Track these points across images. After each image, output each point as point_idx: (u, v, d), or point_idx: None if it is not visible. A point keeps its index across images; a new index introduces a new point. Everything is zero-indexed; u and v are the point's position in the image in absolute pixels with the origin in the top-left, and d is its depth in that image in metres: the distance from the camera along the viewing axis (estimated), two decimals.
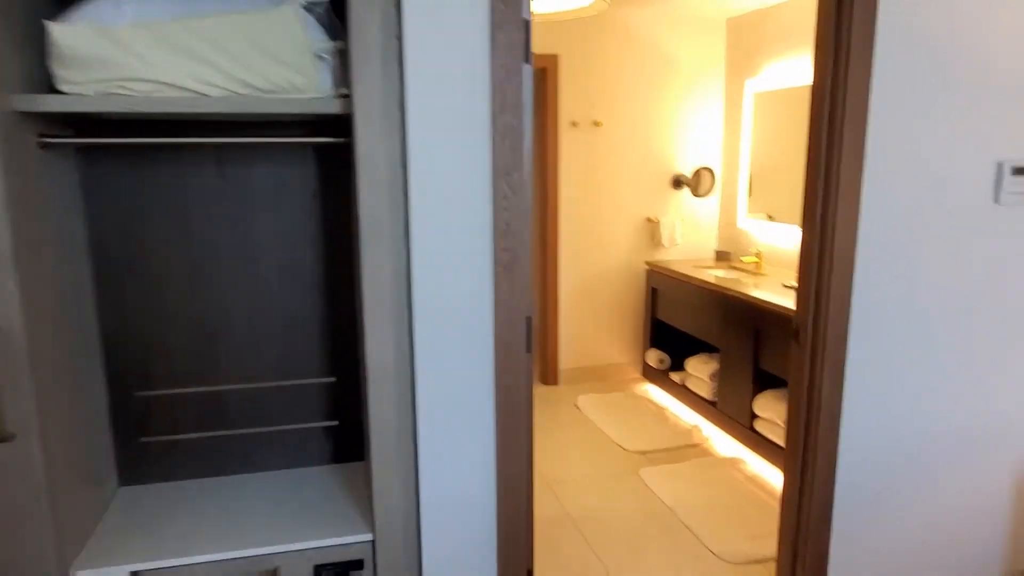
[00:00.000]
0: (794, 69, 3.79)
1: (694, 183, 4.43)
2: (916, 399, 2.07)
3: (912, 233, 1.97)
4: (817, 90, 1.91)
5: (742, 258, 4.05)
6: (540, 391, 4.44)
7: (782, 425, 3.09)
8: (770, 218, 4.16)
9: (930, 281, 2.01)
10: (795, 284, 3.46)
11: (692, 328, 3.95)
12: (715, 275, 4.08)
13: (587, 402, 4.14)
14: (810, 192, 1.95)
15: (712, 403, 3.72)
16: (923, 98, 1.89)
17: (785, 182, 4.02)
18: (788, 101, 3.92)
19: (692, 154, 4.51)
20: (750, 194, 4.25)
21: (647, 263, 4.38)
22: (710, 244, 4.67)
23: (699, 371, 3.82)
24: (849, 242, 1.92)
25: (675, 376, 4.12)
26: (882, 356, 2.02)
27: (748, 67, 4.18)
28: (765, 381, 3.32)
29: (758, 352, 3.28)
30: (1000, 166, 1.96)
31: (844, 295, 1.94)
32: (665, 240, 4.45)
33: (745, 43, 4.21)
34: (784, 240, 3.96)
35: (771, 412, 3.17)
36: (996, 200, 1.99)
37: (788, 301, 3.13)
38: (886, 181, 1.91)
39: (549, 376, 4.52)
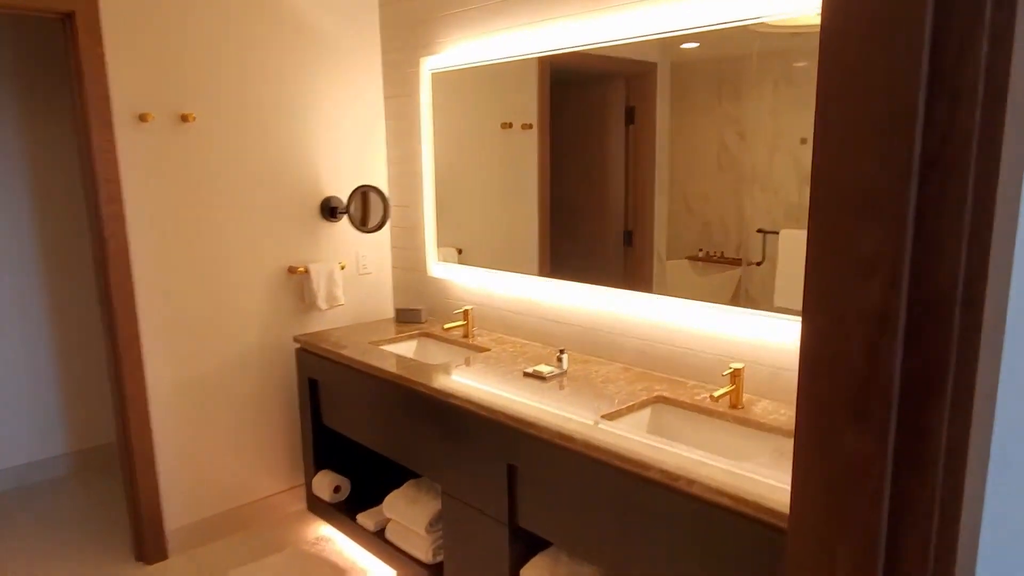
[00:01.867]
0: (499, 35, 2.56)
1: (358, 211, 2.96)
2: None
3: None
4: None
5: (444, 326, 2.71)
6: None
7: None
8: (460, 253, 2.92)
9: None
10: (543, 369, 2.23)
11: (383, 446, 2.49)
12: (407, 354, 2.69)
13: None
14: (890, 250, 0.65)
15: (434, 568, 2.32)
16: None
17: (481, 201, 2.80)
18: (485, 79, 2.70)
19: (351, 169, 3.03)
20: (438, 223, 2.95)
21: (296, 339, 2.79)
22: (388, 303, 3.26)
23: (406, 516, 2.39)
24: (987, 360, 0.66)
25: (365, 519, 2.61)
26: None
27: (421, 37, 2.85)
28: (529, 543, 2.03)
29: (514, 500, 1.97)
30: None
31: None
32: (321, 300, 2.90)
33: (411, 4, 2.87)
34: (497, 286, 2.74)
35: None
36: None
37: (555, 409, 1.87)
38: None
39: (148, 548, 2.63)
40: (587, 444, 1.71)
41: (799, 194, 1.74)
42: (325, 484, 2.75)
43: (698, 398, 2.00)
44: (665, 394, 2.04)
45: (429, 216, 2.94)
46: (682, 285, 2.13)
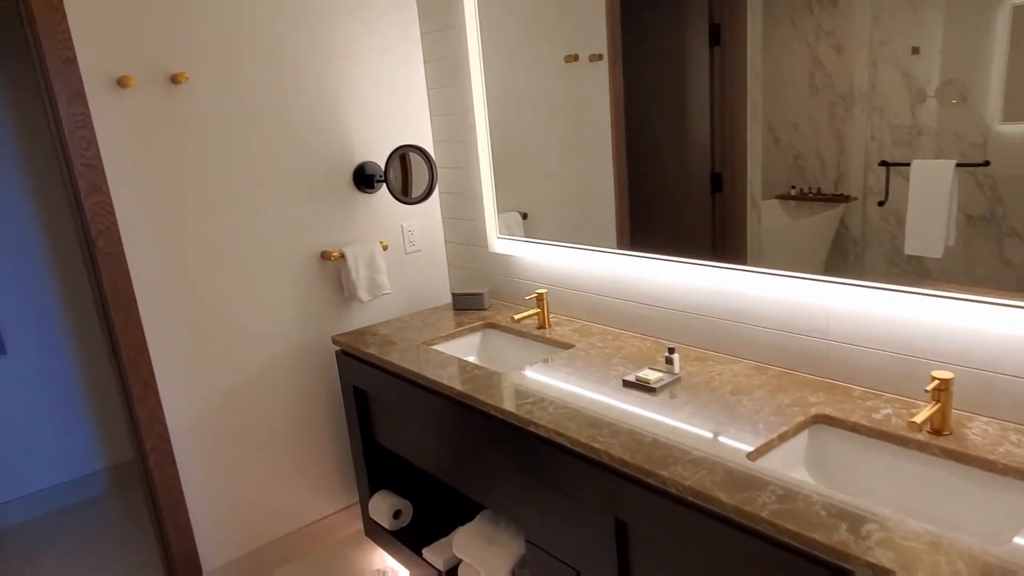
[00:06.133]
0: None
1: (398, 178, 2.43)
2: None
3: None
4: None
5: (514, 316, 2.18)
6: None
7: None
8: (525, 218, 2.37)
9: None
10: (649, 376, 1.68)
11: (447, 474, 2.01)
12: (470, 354, 2.19)
13: None
14: None
15: None
16: None
17: (546, 153, 2.23)
18: (542, 1, 2.11)
19: (386, 126, 2.49)
20: (497, 185, 2.40)
21: (335, 340, 2.31)
22: (443, 286, 2.74)
23: (483, 560, 1.91)
24: None
25: (433, 555, 2.16)
26: None
27: None
28: None
29: (627, 565, 1.46)
30: None
31: None
32: (362, 290, 2.41)
33: None
34: (574, 260, 2.19)
35: None
36: None
37: (678, 439, 1.33)
38: None
39: None
40: (739, 511, 1.17)
41: (911, 115, 1.35)
42: (384, 508, 2.31)
43: (877, 417, 1.43)
44: (827, 411, 1.48)
45: (486, 177, 2.39)
46: (775, 231, 1.63)
